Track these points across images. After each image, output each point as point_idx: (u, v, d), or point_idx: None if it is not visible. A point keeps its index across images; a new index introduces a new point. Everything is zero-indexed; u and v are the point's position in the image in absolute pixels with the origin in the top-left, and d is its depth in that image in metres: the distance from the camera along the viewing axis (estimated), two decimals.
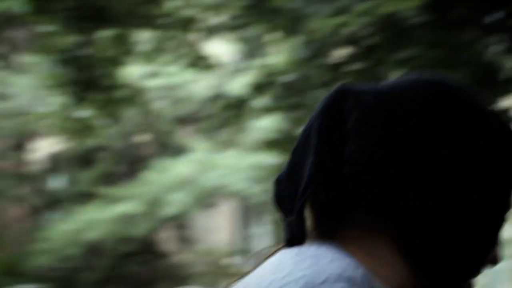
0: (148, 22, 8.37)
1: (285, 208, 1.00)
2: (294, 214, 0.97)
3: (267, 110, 9.97)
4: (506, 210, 0.96)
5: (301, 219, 0.97)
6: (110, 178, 16.21)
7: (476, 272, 0.97)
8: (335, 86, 0.99)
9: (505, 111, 10.57)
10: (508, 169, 0.95)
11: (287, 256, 0.95)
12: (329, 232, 0.98)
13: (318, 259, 0.92)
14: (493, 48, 9.87)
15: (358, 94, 0.97)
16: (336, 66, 9.09)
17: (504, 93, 10.29)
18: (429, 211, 0.93)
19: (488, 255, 0.97)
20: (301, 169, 0.98)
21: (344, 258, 0.92)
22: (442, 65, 8.92)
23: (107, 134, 12.01)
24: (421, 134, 0.94)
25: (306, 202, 0.97)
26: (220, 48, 11.75)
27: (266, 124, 12.73)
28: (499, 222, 0.96)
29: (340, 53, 9.15)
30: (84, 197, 15.70)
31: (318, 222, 0.99)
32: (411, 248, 0.94)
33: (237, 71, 11.65)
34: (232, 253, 21.18)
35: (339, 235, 0.97)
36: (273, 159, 11.08)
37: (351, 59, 9.05)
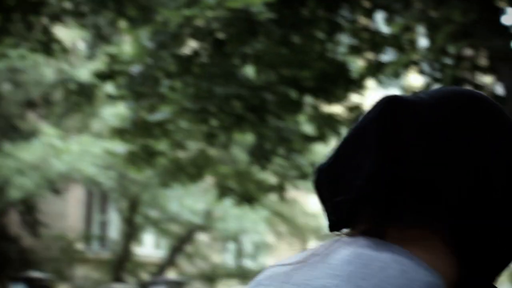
0: None
1: (328, 195, 1.10)
2: (347, 203, 1.07)
3: (116, 97, 9.86)
4: None
5: (353, 209, 1.07)
6: None
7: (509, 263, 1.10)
8: (385, 97, 1.11)
9: (356, 107, 10.89)
10: None
11: (358, 258, 1.03)
12: (381, 229, 1.06)
13: (403, 266, 1.01)
14: (343, 47, 10.14)
15: (413, 106, 1.10)
16: (187, 58, 9.09)
17: (354, 90, 10.60)
18: (479, 211, 1.06)
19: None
20: (352, 166, 1.08)
21: (420, 264, 1.02)
22: (291, 62, 9.09)
23: None
24: (472, 145, 1.08)
25: (363, 197, 1.07)
26: (70, 34, 11.52)
27: (116, 112, 12.61)
28: None
29: (190, 45, 9.14)
30: None
31: (374, 218, 1.07)
32: (464, 246, 1.06)
33: (86, 57, 11.48)
34: (82, 239, 20.91)
35: (393, 233, 1.06)
36: (123, 147, 10.99)
37: (201, 51, 9.07)
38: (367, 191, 1.06)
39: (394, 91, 11.65)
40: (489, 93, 11.06)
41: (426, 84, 10.95)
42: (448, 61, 10.07)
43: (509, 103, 9.24)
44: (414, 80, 11.50)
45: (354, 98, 10.86)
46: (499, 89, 10.19)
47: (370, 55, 9.69)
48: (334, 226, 1.11)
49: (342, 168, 1.10)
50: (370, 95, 11.69)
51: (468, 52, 10.23)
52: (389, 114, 1.09)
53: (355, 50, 9.80)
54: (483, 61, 10.59)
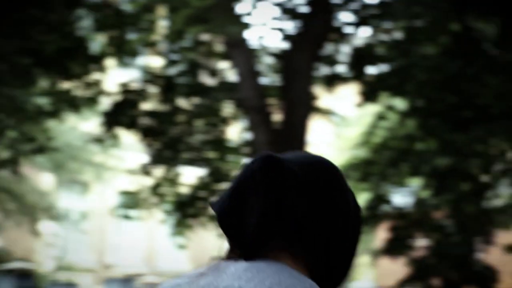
0: None
1: (233, 233, 1.54)
2: (250, 240, 1.51)
3: None
4: (358, 244, 1.62)
5: (257, 243, 1.52)
6: None
7: (344, 279, 1.61)
8: (264, 154, 1.56)
9: (95, 84, 10.86)
10: (359, 222, 1.63)
11: (252, 268, 1.49)
12: (260, 253, 1.52)
13: (287, 272, 1.49)
14: (85, 22, 10.08)
15: (286, 164, 1.56)
16: None
17: (94, 67, 10.57)
18: (326, 246, 1.56)
19: (350, 271, 1.62)
20: (246, 210, 1.53)
21: (296, 272, 1.50)
22: (27, 33, 8.86)
23: None
24: (328, 202, 1.56)
25: (257, 233, 1.51)
26: None
27: None
28: (355, 252, 1.63)
29: None
30: None
31: (258, 245, 1.52)
32: (314, 265, 1.55)
33: None
34: None
35: (271, 254, 1.53)
36: None
37: None
38: (260, 227, 1.51)
39: (134, 71, 11.76)
40: (223, 78, 11.52)
41: (164, 66, 11.18)
42: (185, 44, 10.37)
43: (242, 89, 9.70)
44: (154, 61, 11.69)
45: (94, 75, 10.84)
46: (233, 75, 10.63)
47: (111, 33, 9.72)
48: (245, 257, 1.54)
49: (238, 209, 1.54)
50: (111, 74, 11.73)
51: (205, 37, 10.58)
52: (270, 168, 1.54)
53: (95, 27, 9.78)
54: (219, 47, 11.01)
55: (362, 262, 34.32)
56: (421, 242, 12.87)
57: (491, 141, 11.44)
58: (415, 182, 13.12)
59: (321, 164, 1.60)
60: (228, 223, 1.55)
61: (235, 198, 1.55)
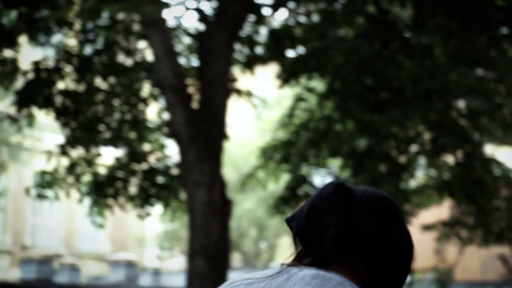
0: None
1: (308, 242, 1.81)
2: (328, 249, 1.79)
3: None
4: (409, 269, 1.88)
5: (334, 253, 1.79)
6: None
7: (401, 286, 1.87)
8: (335, 181, 1.85)
9: (10, 61, 10.62)
10: (411, 247, 1.89)
11: (319, 276, 1.74)
12: (327, 265, 1.79)
13: (350, 285, 1.73)
14: None
15: (355, 193, 1.84)
16: None
17: (6, 44, 10.32)
18: (382, 265, 1.81)
19: (405, 280, 1.88)
20: (323, 225, 1.80)
21: (356, 285, 1.76)
22: None
23: None
24: (387, 226, 1.83)
25: (335, 243, 1.79)
26: None
27: None
28: (406, 276, 1.88)
29: None
30: None
31: (335, 255, 1.80)
32: (369, 282, 1.81)
33: None
34: None
35: (337, 268, 1.79)
36: None
37: None
38: (339, 238, 1.78)
39: (49, 50, 11.54)
40: (141, 58, 11.39)
41: (80, 45, 10.98)
42: (102, 23, 10.20)
43: (159, 69, 9.61)
44: (69, 40, 11.47)
45: (7, 53, 10.60)
46: (150, 55, 10.52)
47: (22, 9, 9.49)
48: (320, 259, 1.81)
49: (316, 224, 1.81)
50: (25, 52, 11.48)
51: (122, 16, 10.43)
52: (343, 191, 1.82)
53: (4, 2, 9.53)
54: (136, 27, 10.88)
55: (283, 243, 34.63)
56: None
57: (408, 123, 11.61)
58: (334, 163, 13.25)
59: (382, 195, 1.90)
60: (307, 235, 1.82)
61: (312, 215, 1.83)
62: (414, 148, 12.28)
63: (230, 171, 26.80)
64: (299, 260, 1.82)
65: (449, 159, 12.27)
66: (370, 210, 1.83)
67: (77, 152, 11.58)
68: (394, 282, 1.84)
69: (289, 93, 13.14)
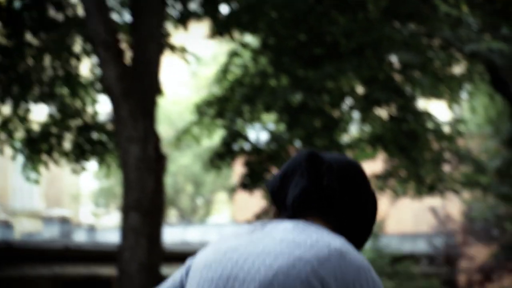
0: None
1: (280, 203, 2.11)
2: (291, 206, 2.08)
3: None
4: (374, 222, 2.17)
5: (297, 209, 2.08)
6: None
7: (362, 245, 2.14)
8: (307, 150, 2.11)
9: None
10: (375, 206, 2.17)
11: (298, 226, 2.03)
12: (301, 218, 2.08)
13: (325, 230, 2.03)
14: None
15: (324, 160, 2.10)
16: None
17: None
18: (351, 218, 2.10)
19: (366, 240, 2.16)
20: (291, 187, 2.09)
21: (329, 230, 2.06)
22: None
23: None
24: (353, 187, 2.10)
25: (297, 202, 2.08)
26: None
27: None
28: (372, 228, 2.16)
29: None
30: None
31: (297, 210, 2.08)
32: (340, 231, 2.08)
33: None
34: None
35: (309, 219, 2.06)
36: None
37: None
38: (301, 197, 2.07)
39: None
40: (72, 13, 11.19)
41: None
42: None
43: (90, 24, 9.46)
44: None
45: None
46: (82, 10, 10.33)
47: None
48: (286, 213, 2.09)
49: (286, 186, 2.10)
50: None
51: None
52: (313, 158, 2.09)
53: None
54: None
55: (220, 198, 34.78)
56: None
57: (341, 78, 11.71)
58: (270, 118, 13.30)
59: (350, 161, 2.15)
60: (277, 195, 2.11)
61: (284, 178, 2.11)
62: (348, 102, 12.40)
63: (166, 128, 26.72)
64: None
65: (382, 113, 12.43)
66: (338, 173, 2.08)
67: (9, 108, 11.40)
68: (359, 237, 2.12)
69: (224, 50, 13.10)
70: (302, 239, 1.97)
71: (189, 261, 2.14)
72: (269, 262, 1.94)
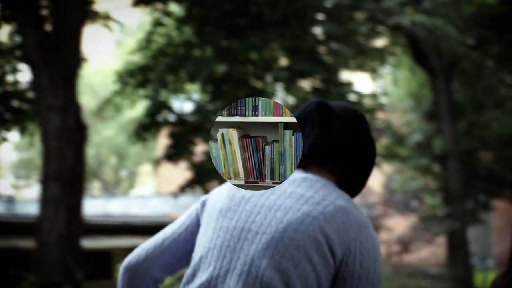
0: None
1: None
2: (306, 154, 2.26)
3: None
4: (372, 170, 2.34)
5: (311, 157, 2.26)
6: None
7: (360, 191, 2.32)
8: (317, 100, 2.30)
9: None
10: (375, 153, 2.34)
11: (307, 179, 2.23)
12: (309, 167, 2.28)
13: (332, 186, 2.23)
14: None
15: (333, 109, 2.27)
16: None
17: None
18: (354, 167, 2.28)
19: (366, 183, 2.33)
20: (304, 135, 2.26)
21: (335, 186, 2.25)
22: None
23: None
24: (358, 135, 2.27)
25: (312, 150, 2.27)
26: None
27: None
28: (370, 174, 2.33)
29: None
30: None
31: (311, 158, 2.27)
32: (344, 181, 2.27)
33: None
34: None
35: (317, 171, 2.26)
36: None
37: None
38: (313, 147, 2.25)
39: None
40: None
41: None
42: None
43: None
44: None
45: None
46: None
47: None
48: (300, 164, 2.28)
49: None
50: None
51: None
52: (324, 108, 2.26)
53: None
54: None
55: (144, 170, 34.54)
56: (201, 148, 13.06)
57: (265, 48, 11.68)
58: (194, 89, 13.21)
59: (354, 109, 2.29)
60: None
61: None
62: (271, 73, 12.39)
63: (90, 99, 26.33)
64: None
65: (306, 84, 12.47)
66: (345, 123, 2.25)
67: None
68: (358, 186, 2.31)
69: (148, 19, 12.92)
70: (310, 195, 2.17)
71: (203, 198, 2.36)
72: (280, 216, 2.15)
